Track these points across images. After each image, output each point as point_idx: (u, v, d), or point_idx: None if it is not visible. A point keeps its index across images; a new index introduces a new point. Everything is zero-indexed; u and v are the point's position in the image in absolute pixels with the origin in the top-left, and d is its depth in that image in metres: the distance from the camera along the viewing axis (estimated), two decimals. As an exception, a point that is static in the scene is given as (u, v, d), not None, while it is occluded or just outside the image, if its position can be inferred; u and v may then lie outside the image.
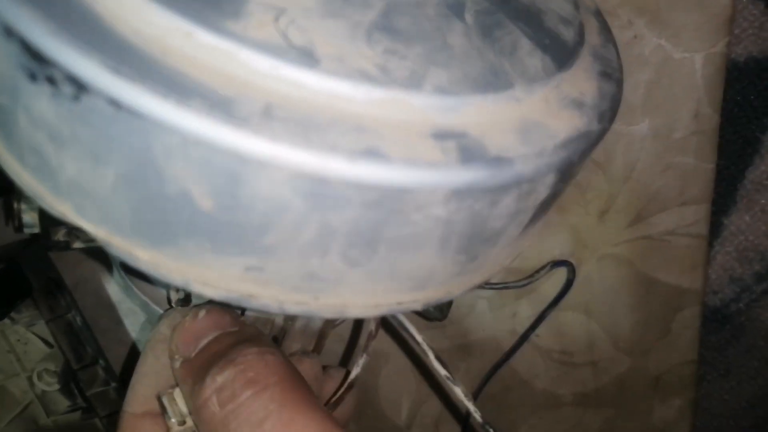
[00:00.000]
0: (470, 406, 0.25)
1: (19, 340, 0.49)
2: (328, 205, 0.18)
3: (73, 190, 0.20)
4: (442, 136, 0.19)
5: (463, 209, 0.20)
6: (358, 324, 0.41)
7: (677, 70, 0.39)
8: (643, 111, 0.40)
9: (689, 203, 0.42)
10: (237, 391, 0.22)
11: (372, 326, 0.26)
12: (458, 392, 0.25)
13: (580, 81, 0.24)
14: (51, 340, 0.48)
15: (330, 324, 0.30)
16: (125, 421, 0.26)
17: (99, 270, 0.50)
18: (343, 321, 0.34)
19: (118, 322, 0.52)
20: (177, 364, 0.24)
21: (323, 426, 0.21)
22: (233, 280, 0.20)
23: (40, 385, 0.49)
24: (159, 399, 0.25)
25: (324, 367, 0.30)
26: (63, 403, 0.50)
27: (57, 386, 0.49)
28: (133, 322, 0.53)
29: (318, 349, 0.31)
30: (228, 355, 0.23)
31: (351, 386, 0.27)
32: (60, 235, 0.34)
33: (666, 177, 0.41)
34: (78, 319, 0.47)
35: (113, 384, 0.48)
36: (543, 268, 0.41)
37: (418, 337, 0.25)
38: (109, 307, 0.52)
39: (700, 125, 0.40)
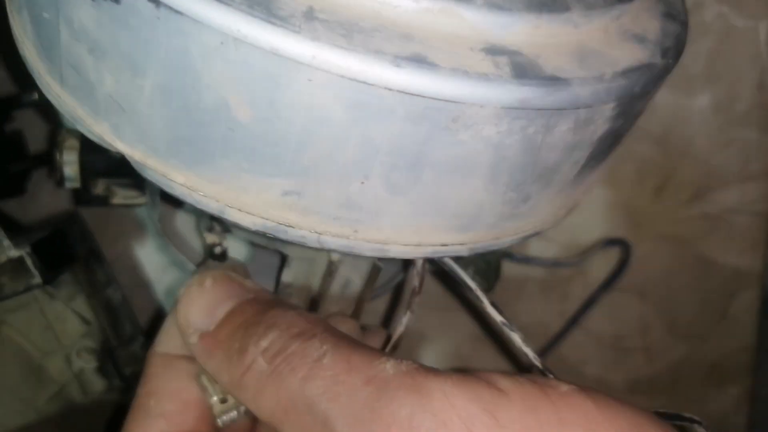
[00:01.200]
0: (529, 353, 0.23)
1: (57, 317, 0.49)
2: (370, 116, 0.17)
3: (110, 108, 0.19)
4: (494, 51, 0.18)
5: (515, 131, 0.18)
6: (400, 288, 0.40)
7: (740, 39, 0.37)
8: (703, 82, 0.38)
9: (751, 179, 0.39)
10: (285, 345, 0.20)
11: (416, 281, 0.25)
12: (516, 339, 0.23)
13: (642, 18, 0.23)
14: (89, 316, 0.48)
15: (369, 287, 0.29)
16: (157, 361, 0.24)
17: (136, 247, 0.50)
18: (382, 288, 0.33)
19: (155, 303, 0.52)
20: (194, 339, 0.23)
21: (378, 357, 0.19)
22: (271, 207, 0.19)
23: (79, 362, 0.49)
24: (198, 379, 0.23)
25: (362, 327, 0.28)
26: (100, 383, 0.50)
27: (95, 364, 0.49)
28: (171, 302, 0.52)
29: (356, 315, 0.30)
30: (265, 320, 0.21)
31: (396, 346, 0.25)
32: (99, 189, 0.34)
33: (727, 151, 0.39)
34: (117, 294, 0.46)
35: (151, 362, 0.48)
36: (596, 246, 0.39)
37: (471, 283, 0.24)
38: (146, 286, 0.51)
39: (764, 97, 0.38)
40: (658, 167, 0.40)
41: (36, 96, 0.40)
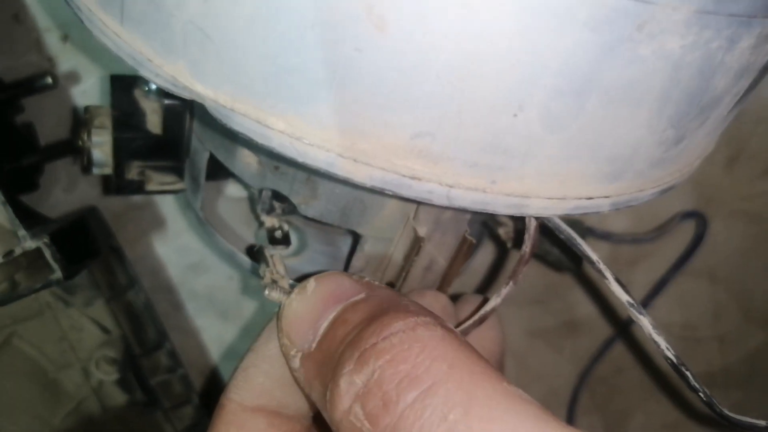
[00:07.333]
0: (661, 342, 0.20)
1: (73, 326, 0.45)
2: (543, 23, 0.14)
3: (190, 40, 0.16)
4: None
5: (700, 46, 0.15)
6: (498, 260, 0.36)
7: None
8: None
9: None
10: (392, 396, 0.14)
11: (527, 248, 0.21)
12: (645, 324, 0.20)
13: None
14: (108, 324, 0.44)
15: (460, 263, 0.25)
16: (230, 413, 0.18)
17: (158, 248, 0.46)
18: (472, 259, 0.30)
19: (178, 307, 0.48)
20: (296, 363, 0.17)
21: (537, 420, 0.13)
22: (395, 154, 0.16)
23: (98, 374, 0.44)
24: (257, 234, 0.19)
25: (459, 295, 0.25)
26: (121, 397, 0.46)
27: (116, 375, 0.44)
28: (195, 307, 0.48)
29: (442, 291, 0.26)
30: (362, 341, 0.15)
31: (483, 319, 0.22)
32: (133, 174, 0.30)
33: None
34: (140, 297, 0.42)
35: (179, 371, 0.44)
36: (671, 220, 0.35)
37: (593, 255, 0.20)
38: (169, 290, 0.47)
39: None
40: (730, 136, 0.37)
41: (50, 80, 0.36)
